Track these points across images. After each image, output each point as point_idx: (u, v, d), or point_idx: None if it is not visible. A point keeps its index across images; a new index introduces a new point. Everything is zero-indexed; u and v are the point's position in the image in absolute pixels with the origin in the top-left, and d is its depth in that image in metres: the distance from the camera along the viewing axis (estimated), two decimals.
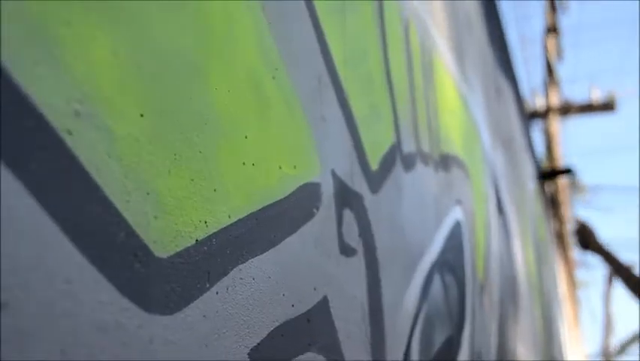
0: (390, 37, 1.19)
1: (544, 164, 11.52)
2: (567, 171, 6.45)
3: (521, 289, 2.59)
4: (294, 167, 0.74)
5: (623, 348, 26.76)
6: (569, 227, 10.26)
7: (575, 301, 11.59)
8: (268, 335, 0.64)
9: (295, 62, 0.78)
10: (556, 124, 11.48)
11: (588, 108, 11.93)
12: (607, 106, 11.88)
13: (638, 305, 2.89)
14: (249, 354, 0.60)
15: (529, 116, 10.88)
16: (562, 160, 11.73)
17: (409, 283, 1.11)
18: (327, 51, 0.88)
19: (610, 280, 12.15)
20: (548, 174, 4.46)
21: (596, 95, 11.93)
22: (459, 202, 1.60)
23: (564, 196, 11.29)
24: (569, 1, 12.03)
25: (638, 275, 3.17)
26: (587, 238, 3.46)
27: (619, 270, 3.22)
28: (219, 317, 0.57)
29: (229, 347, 0.58)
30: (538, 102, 11.70)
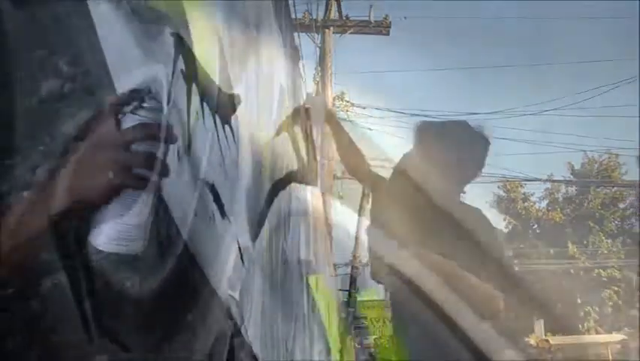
0: None
1: (316, 78, 11.83)
2: None
3: (245, 169, 2.63)
4: None
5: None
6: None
7: (330, 209, 12.25)
8: None
9: None
10: (331, 38, 11.80)
11: (365, 27, 12.33)
12: (381, 26, 12.33)
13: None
14: None
15: (306, 27, 11.06)
16: (333, 76, 12.13)
17: None
18: None
19: (365, 194, 12.94)
20: None
21: (373, 17, 12.35)
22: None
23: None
24: None
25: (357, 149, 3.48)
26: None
27: (341, 140, 3.51)
28: None
29: None
30: (317, 15, 11.91)
